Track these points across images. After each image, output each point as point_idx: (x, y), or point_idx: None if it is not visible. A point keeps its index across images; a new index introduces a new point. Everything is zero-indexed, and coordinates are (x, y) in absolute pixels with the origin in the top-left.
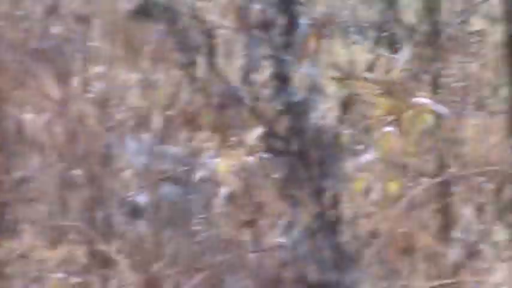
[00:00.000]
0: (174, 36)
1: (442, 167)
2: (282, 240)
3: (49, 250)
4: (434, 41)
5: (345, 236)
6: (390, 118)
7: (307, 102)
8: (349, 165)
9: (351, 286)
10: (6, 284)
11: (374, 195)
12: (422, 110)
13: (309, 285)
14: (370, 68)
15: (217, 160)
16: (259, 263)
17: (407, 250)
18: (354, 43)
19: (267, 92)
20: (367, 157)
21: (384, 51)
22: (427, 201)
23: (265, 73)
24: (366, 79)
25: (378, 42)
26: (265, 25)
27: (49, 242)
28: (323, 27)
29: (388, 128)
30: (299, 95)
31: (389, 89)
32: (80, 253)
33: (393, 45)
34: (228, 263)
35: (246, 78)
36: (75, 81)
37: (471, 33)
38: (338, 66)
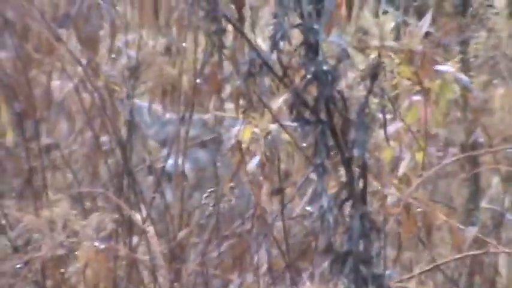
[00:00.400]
0: (202, 4)
1: (469, 137)
2: (309, 208)
3: (78, 217)
4: (463, 11)
5: (372, 206)
6: (417, 88)
7: (336, 71)
8: (377, 134)
9: (378, 256)
10: (35, 251)
11: (402, 165)
12: (448, 79)
13: (336, 255)
14: (396, 36)
15: (243, 127)
16: (286, 232)
17: (433, 222)
18: (383, 12)
19: (295, 60)
20: (395, 126)
21: (411, 20)
22: (455, 171)
23: (294, 42)
24: (389, 48)
25: (407, 11)
26: None
27: (77, 209)
28: None
29: (416, 98)
30: (328, 64)
31: (411, 58)
32: (108, 220)
33: (423, 15)
34: (255, 231)
35: (274, 47)
36: (103, 48)
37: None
38: (366, 34)
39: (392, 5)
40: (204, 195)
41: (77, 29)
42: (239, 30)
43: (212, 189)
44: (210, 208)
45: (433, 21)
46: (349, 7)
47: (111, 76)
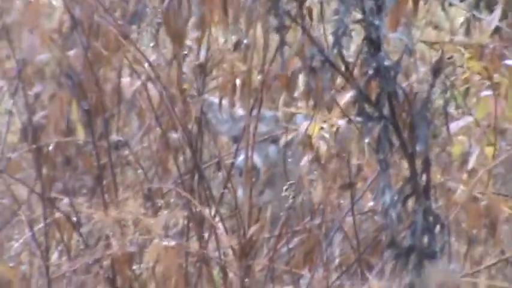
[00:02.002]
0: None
1: None
2: (375, 204)
3: (149, 215)
4: None
5: (436, 201)
6: (488, 82)
7: (399, 66)
8: (446, 129)
9: (441, 251)
10: (105, 247)
11: (472, 160)
12: None
13: (400, 250)
14: (466, 30)
15: (311, 123)
16: (356, 227)
17: (497, 215)
18: (451, 5)
19: (358, 56)
20: (465, 121)
21: (481, 14)
22: None
23: (356, 38)
24: (458, 42)
25: (477, 4)
26: None
27: (148, 206)
28: None
29: (486, 92)
30: (389, 60)
31: (480, 52)
32: (179, 216)
33: (492, 8)
34: (325, 226)
35: (337, 43)
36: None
37: None
38: (435, 28)
39: None
40: (284, 187)
41: (167, 23)
42: (301, 26)
43: (292, 182)
44: (290, 201)
45: (504, 16)
46: (416, 1)
47: (182, 73)
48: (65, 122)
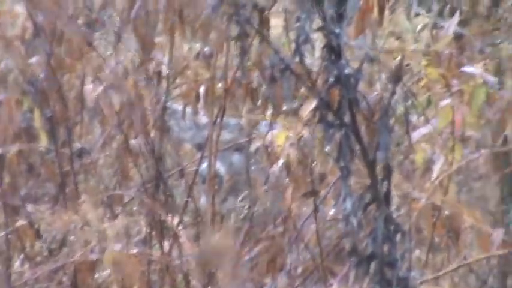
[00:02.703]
0: (227, 8)
1: (501, 138)
2: (337, 211)
3: (109, 221)
4: (493, 13)
5: (398, 209)
6: (451, 89)
7: (359, 74)
8: (408, 137)
9: (402, 259)
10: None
11: (434, 167)
12: (476, 80)
13: (360, 257)
14: (428, 38)
15: (275, 131)
16: (319, 234)
17: (460, 224)
18: (416, 14)
19: (319, 64)
20: (427, 129)
21: (442, 22)
22: (487, 172)
23: (316, 45)
24: (416, 50)
25: (441, 13)
26: None
27: (109, 213)
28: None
29: (447, 101)
30: (350, 67)
31: (438, 59)
32: (141, 224)
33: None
34: (288, 234)
35: (298, 51)
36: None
37: None
38: (398, 37)
39: (425, 7)
40: (239, 198)
41: (136, 31)
42: (261, 35)
43: (246, 192)
44: (245, 211)
45: (466, 23)
46: (381, 10)
47: (141, 80)
48: (16, 127)
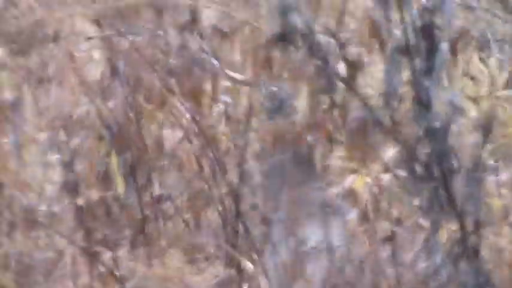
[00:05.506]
0: (314, 61)
1: None
2: (420, 257)
3: (191, 269)
4: None
5: (487, 261)
6: None
7: (448, 127)
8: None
9: None
10: None
11: None
12: None
13: None
14: (508, 84)
15: (354, 177)
16: (398, 279)
17: None
18: (490, 58)
19: (407, 116)
20: (507, 175)
21: None
22: None
23: (405, 97)
24: (501, 97)
25: None
26: (406, 49)
27: (189, 259)
28: (459, 42)
29: None
30: (440, 120)
31: None
32: (220, 269)
33: None
34: (367, 279)
35: (386, 102)
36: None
37: None
38: (475, 81)
39: (501, 51)
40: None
41: (179, 81)
42: (350, 87)
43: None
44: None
45: None
46: (455, 52)
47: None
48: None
